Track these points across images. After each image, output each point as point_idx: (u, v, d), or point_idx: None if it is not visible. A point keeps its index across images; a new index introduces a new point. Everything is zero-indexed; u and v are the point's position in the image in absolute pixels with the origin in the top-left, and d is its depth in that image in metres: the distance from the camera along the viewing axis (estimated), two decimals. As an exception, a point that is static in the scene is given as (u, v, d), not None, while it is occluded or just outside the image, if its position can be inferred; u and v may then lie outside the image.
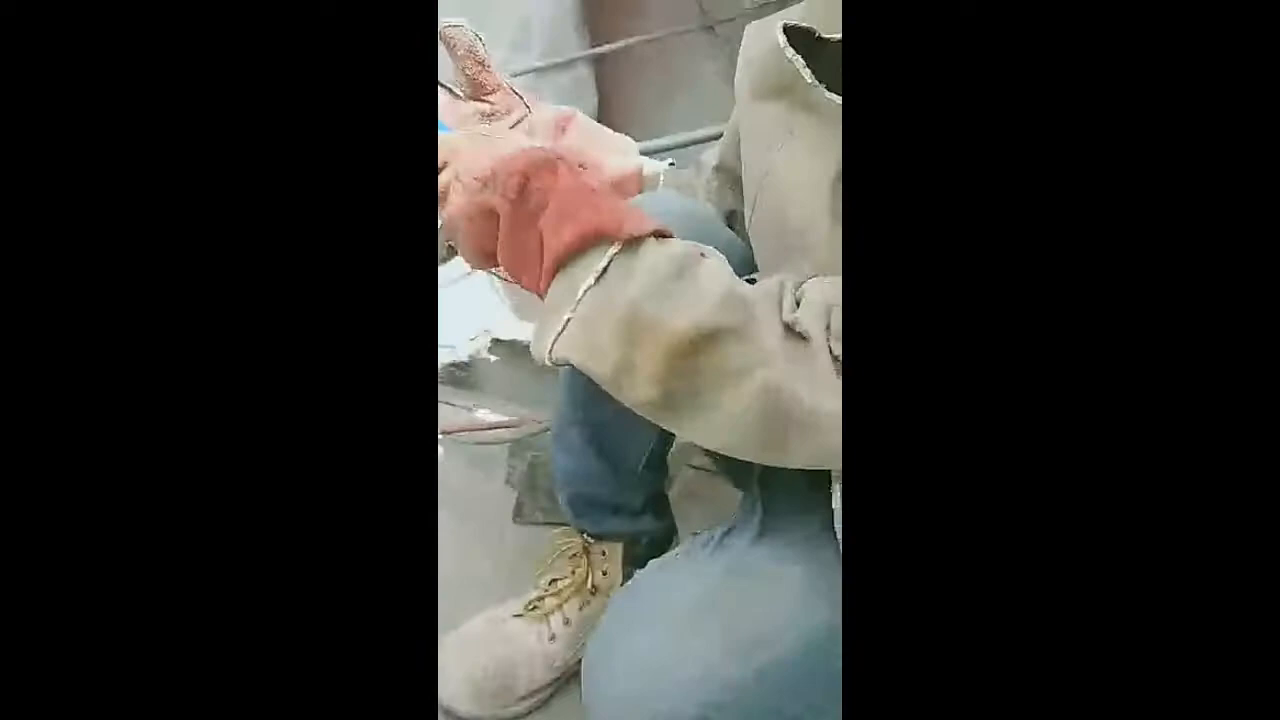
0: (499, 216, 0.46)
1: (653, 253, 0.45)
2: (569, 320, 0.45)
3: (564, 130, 0.69)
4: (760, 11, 1.61)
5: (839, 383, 0.43)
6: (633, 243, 0.45)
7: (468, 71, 0.65)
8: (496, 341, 1.40)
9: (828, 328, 0.44)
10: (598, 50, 1.69)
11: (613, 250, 0.44)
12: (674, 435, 0.71)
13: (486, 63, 0.65)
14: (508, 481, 1.13)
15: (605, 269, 0.44)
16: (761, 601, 0.50)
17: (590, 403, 0.70)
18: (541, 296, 0.47)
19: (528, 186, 0.46)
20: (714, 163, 0.75)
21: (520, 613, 0.83)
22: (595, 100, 1.74)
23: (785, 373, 0.43)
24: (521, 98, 0.69)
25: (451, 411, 1.25)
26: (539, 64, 1.69)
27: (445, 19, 0.58)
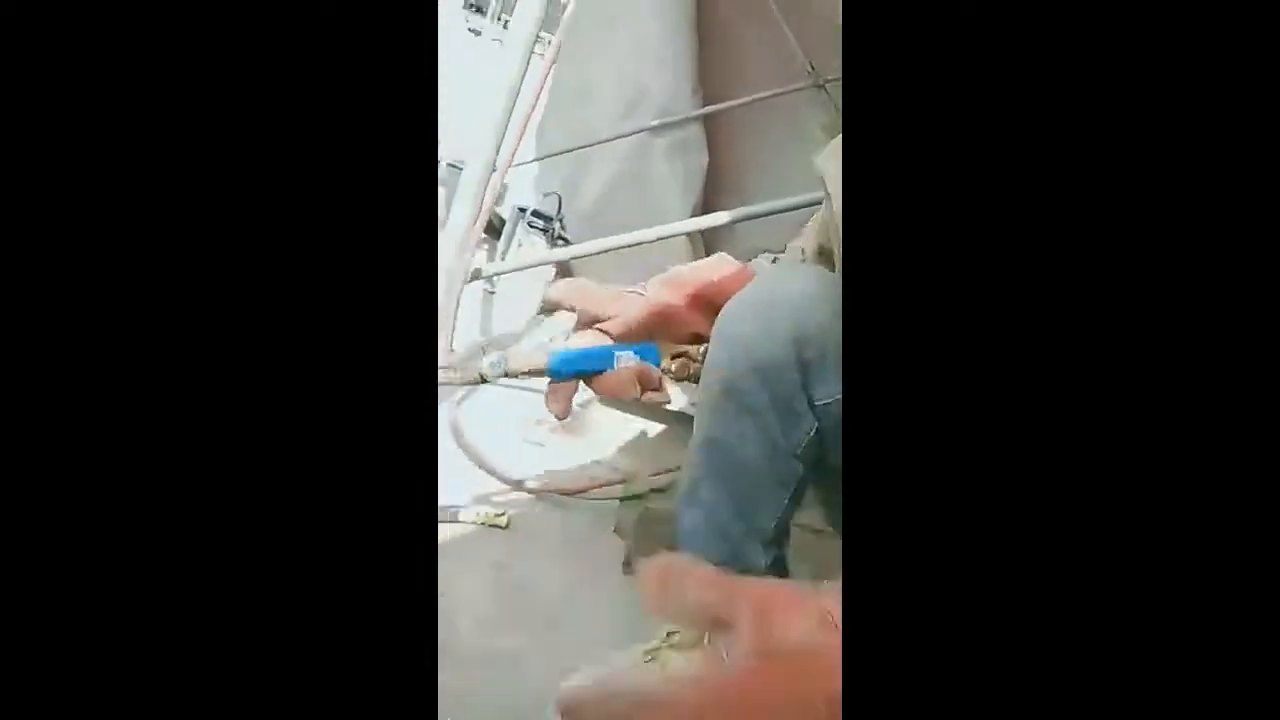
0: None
1: None
2: None
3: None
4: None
5: None
6: None
7: (641, 398, 0.70)
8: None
9: None
10: (708, 110, 1.74)
11: None
12: (802, 500, 0.72)
13: (656, 381, 0.69)
14: (616, 531, 1.15)
15: None
16: None
17: (729, 467, 0.71)
18: None
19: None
20: (813, 246, 0.77)
21: (638, 661, 0.84)
22: (705, 159, 1.78)
23: None
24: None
25: (563, 467, 1.28)
26: (653, 123, 1.75)
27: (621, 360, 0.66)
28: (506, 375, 0.67)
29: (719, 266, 0.73)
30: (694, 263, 0.73)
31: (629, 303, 0.69)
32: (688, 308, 0.70)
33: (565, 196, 1.89)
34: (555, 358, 0.68)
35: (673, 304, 0.70)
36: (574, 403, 0.69)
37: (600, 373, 0.68)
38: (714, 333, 0.68)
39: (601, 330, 0.70)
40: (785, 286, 0.66)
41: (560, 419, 0.69)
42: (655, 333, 0.71)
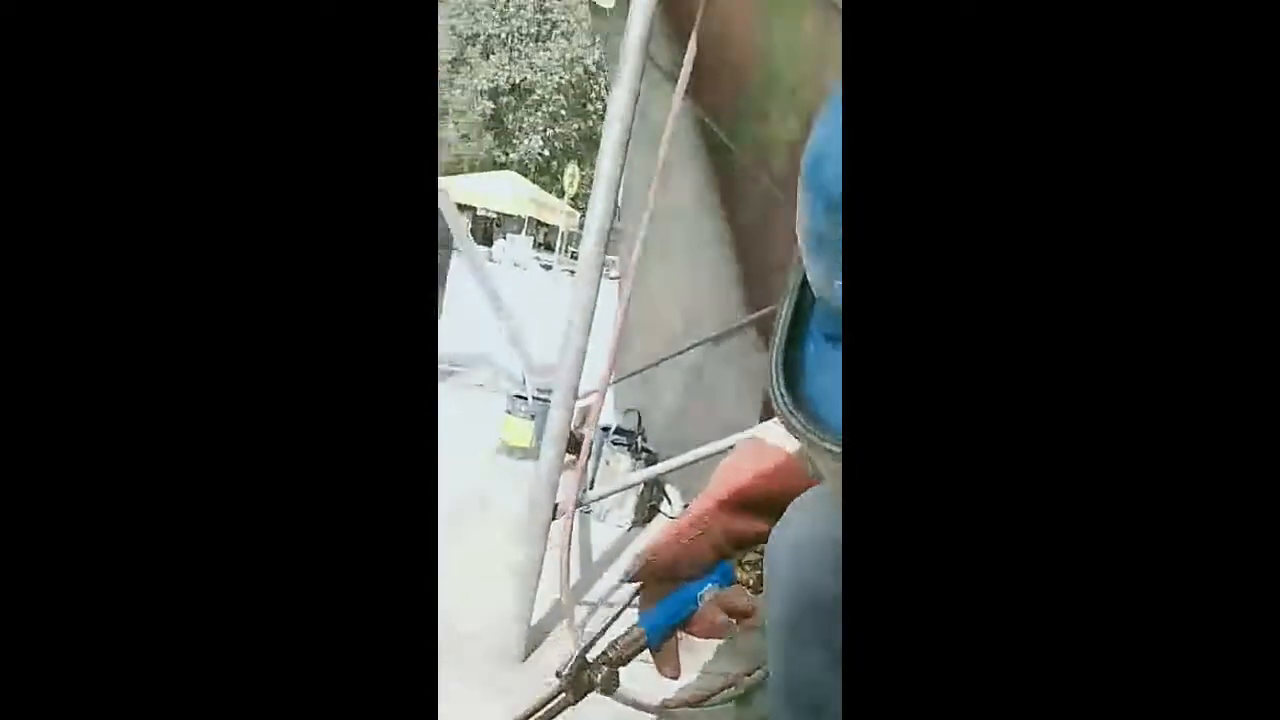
0: None
1: None
2: None
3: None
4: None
5: None
6: None
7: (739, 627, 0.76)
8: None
9: None
10: (757, 316, 1.90)
11: None
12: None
13: (743, 603, 0.75)
14: (736, 740, 1.16)
15: None
16: None
17: (810, 700, 0.72)
18: None
19: None
20: None
21: None
22: (763, 359, 1.91)
23: None
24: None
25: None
26: (712, 334, 1.91)
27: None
28: (618, 668, 0.70)
29: (745, 455, 0.74)
30: (722, 462, 0.76)
31: (684, 542, 0.72)
32: (731, 514, 0.72)
33: (642, 410, 2.04)
34: (649, 626, 0.70)
35: (717, 515, 0.72)
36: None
37: (690, 616, 0.70)
38: (766, 576, 0.71)
39: (671, 580, 0.73)
40: (824, 522, 0.69)
41: (677, 678, 0.72)
42: (719, 548, 0.73)
